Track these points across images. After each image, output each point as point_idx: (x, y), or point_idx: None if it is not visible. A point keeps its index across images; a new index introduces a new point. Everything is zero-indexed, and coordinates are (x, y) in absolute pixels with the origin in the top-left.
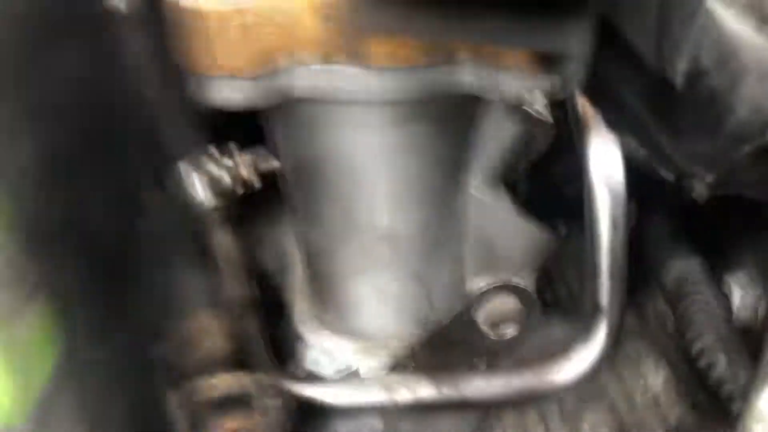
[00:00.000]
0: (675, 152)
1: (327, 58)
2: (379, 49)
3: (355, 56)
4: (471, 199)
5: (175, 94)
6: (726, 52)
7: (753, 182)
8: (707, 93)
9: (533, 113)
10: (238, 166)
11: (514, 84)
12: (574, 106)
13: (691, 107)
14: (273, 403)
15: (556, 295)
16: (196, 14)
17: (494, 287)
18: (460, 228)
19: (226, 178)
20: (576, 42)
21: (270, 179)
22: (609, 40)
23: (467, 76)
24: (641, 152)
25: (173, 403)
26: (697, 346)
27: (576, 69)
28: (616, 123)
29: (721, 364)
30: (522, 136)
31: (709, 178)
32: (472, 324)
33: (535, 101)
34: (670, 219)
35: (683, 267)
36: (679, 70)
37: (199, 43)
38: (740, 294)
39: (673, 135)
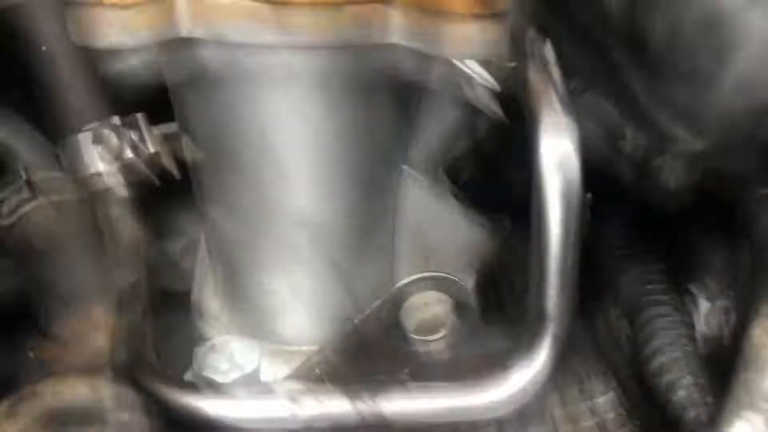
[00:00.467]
0: (656, 104)
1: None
2: (302, 18)
3: (276, 25)
4: (405, 186)
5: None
6: (713, 23)
7: (746, 153)
8: (689, 65)
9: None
10: (143, 140)
11: (455, 39)
12: (524, 81)
13: (670, 67)
14: (131, 418)
15: (501, 301)
16: None
17: (421, 279)
18: (392, 218)
19: (129, 152)
20: None
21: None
22: None
23: (396, 21)
24: (598, 142)
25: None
26: (655, 363)
27: None
28: (579, 68)
29: (684, 385)
30: (464, 117)
31: (698, 144)
32: (396, 325)
33: (477, 74)
34: (628, 221)
35: (642, 274)
36: (656, 31)
37: None
38: (707, 306)
39: (652, 76)
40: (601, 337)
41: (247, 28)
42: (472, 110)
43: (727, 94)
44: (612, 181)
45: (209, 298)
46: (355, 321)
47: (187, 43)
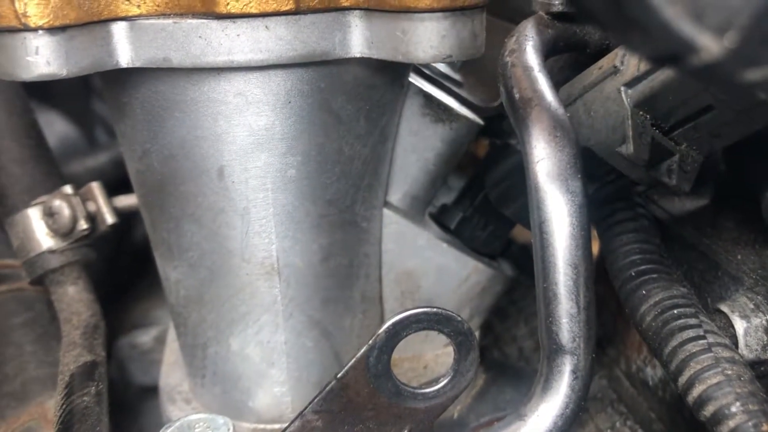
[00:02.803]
0: (666, 4)
1: (162, 9)
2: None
3: (203, 7)
4: (388, 224)
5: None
6: None
7: None
8: None
9: (459, 114)
10: (100, 211)
11: (423, 40)
12: (508, 84)
13: None
14: None
15: (504, 354)
16: None
17: (413, 315)
18: (375, 264)
19: (84, 224)
20: None
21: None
22: None
23: (356, 29)
24: (598, 145)
25: None
26: (695, 394)
27: None
28: None
29: (732, 414)
30: (448, 147)
31: (718, 49)
32: (386, 376)
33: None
34: (643, 240)
35: (666, 300)
36: None
37: None
38: (744, 324)
39: None
40: (625, 390)
41: (194, 50)
42: (455, 144)
43: None
44: (621, 190)
45: (178, 380)
46: (338, 375)
47: (129, 74)
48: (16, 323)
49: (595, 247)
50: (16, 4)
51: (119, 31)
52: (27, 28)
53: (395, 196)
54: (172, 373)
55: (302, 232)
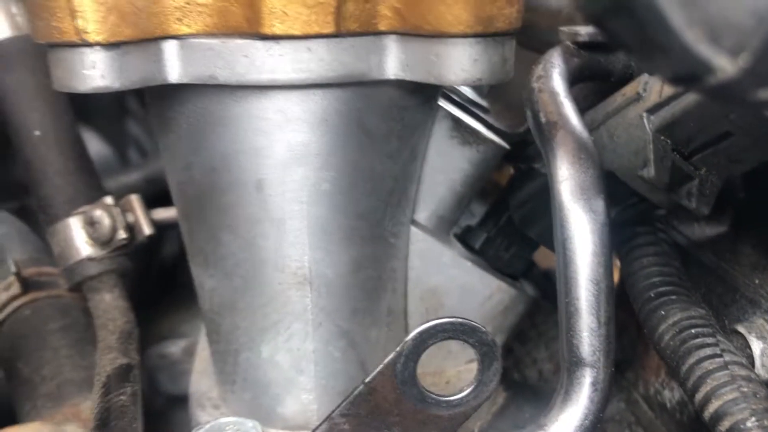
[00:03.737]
0: (682, 21)
1: (211, 29)
2: (278, 16)
3: (249, 28)
4: (414, 242)
5: (58, 129)
6: None
7: None
8: None
9: (486, 138)
10: (139, 223)
11: (456, 63)
12: (535, 109)
13: None
14: None
15: (524, 376)
16: None
17: (439, 325)
18: (401, 279)
19: (123, 234)
20: None
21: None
22: None
23: (391, 53)
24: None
25: None
26: (710, 410)
27: None
28: None
29: (748, 429)
30: (475, 169)
31: (733, 69)
32: (412, 383)
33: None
34: (663, 262)
35: (683, 320)
36: None
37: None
38: (760, 345)
39: None
40: (643, 413)
41: (239, 68)
42: (481, 166)
43: None
44: (643, 213)
45: (202, 379)
46: (366, 380)
47: (176, 89)
48: (54, 328)
49: (617, 272)
50: (78, 21)
51: (170, 48)
52: (85, 44)
53: (422, 215)
54: (201, 381)
55: (334, 244)
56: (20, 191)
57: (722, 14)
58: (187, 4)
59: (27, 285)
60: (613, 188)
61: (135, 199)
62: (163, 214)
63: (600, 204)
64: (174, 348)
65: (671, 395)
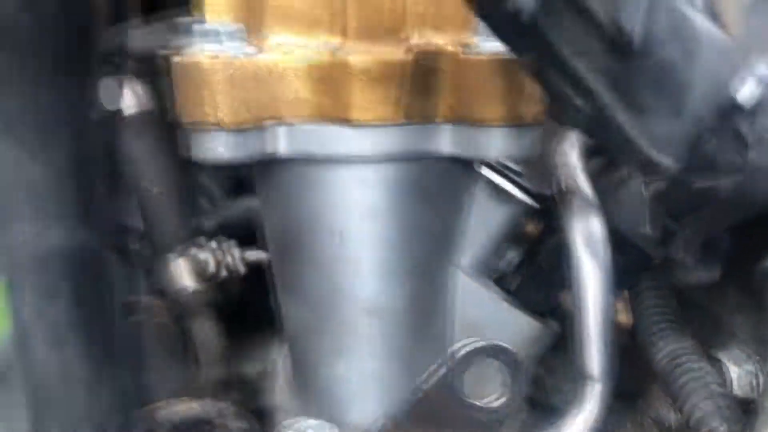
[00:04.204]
0: (637, 135)
1: (311, 118)
2: (361, 107)
3: (340, 116)
4: (458, 281)
5: (170, 186)
6: (678, 26)
7: (717, 167)
8: (663, 64)
9: (518, 198)
10: (234, 262)
11: (494, 144)
12: (557, 178)
13: (651, 78)
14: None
15: (549, 402)
16: (190, 65)
17: (479, 347)
18: (447, 310)
19: (221, 272)
20: None
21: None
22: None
23: (446, 136)
24: (625, 226)
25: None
26: (694, 419)
27: None
28: (568, 108)
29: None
30: (509, 224)
31: (674, 167)
32: (455, 391)
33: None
34: (661, 298)
35: (676, 350)
36: (635, 32)
37: (188, 94)
38: (737, 371)
39: (633, 112)
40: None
41: (334, 147)
42: (514, 221)
43: (701, 95)
44: (643, 262)
45: (284, 397)
46: (422, 387)
47: (280, 160)
48: (156, 353)
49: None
50: (218, 111)
51: (280, 131)
52: (219, 128)
53: (465, 261)
54: (283, 393)
55: (397, 282)
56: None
57: (664, 133)
58: (296, 98)
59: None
60: (619, 242)
61: (233, 244)
62: (255, 255)
63: (605, 251)
64: (250, 369)
65: (676, 417)
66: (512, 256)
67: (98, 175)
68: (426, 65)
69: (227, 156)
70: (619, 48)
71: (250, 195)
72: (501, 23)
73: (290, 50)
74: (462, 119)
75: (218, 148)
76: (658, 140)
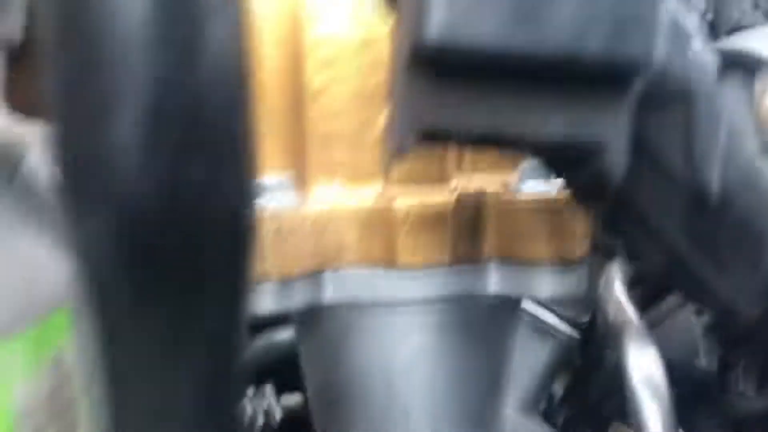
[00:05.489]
0: (717, 286)
1: (357, 263)
2: (407, 251)
3: (387, 261)
4: (506, 421)
5: None
6: (751, 178)
7: None
8: (740, 215)
9: (560, 330)
10: (271, 409)
11: (541, 283)
12: (604, 312)
13: (729, 233)
14: None
15: None
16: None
17: None
18: None
19: (260, 419)
20: (614, 127)
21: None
22: (636, 150)
23: (493, 275)
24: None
25: None
26: None
27: (615, 161)
28: (646, 257)
29: None
30: (553, 358)
31: (754, 314)
32: None
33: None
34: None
35: None
36: (712, 182)
37: None
38: None
39: (713, 266)
40: None
41: (380, 292)
42: (562, 352)
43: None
44: (700, 395)
45: None
46: None
47: (322, 313)
48: None
49: None
50: (266, 261)
51: (326, 278)
52: (266, 277)
53: (511, 398)
54: None
55: (447, 426)
56: None
57: (744, 285)
58: (342, 246)
59: None
60: (673, 374)
61: (269, 389)
62: (291, 400)
63: (664, 390)
64: None
65: None
66: (556, 388)
67: None
68: (470, 207)
69: (273, 308)
70: (699, 204)
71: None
72: (584, 186)
73: (335, 199)
74: (509, 258)
75: (264, 300)
76: (738, 291)
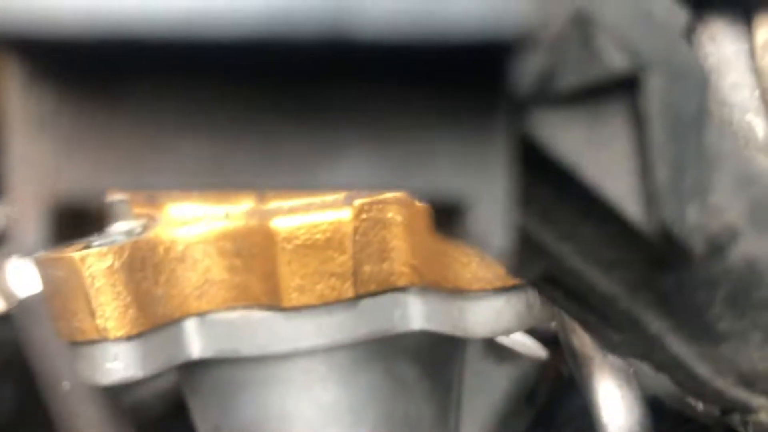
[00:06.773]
0: (710, 372)
1: (229, 305)
2: (294, 285)
3: (268, 300)
4: None
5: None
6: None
7: None
8: (744, 264)
9: (522, 351)
10: None
11: (476, 315)
12: (568, 342)
13: (723, 293)
14: None
15: None
16: (66, 260)
17: None
18: None
19: None
20: (484, 170)
21: None
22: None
23: (414, 308)
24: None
25: None
26: None
27: (491, 221)
28: (603, 340)
29: None
30: (516, 380)
31: (765, 404)
32: None
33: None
34: None
35: None
36: (689, 236)
37: (68, 300)
38: None
39: (700, 341)
40: None
41: (260, 340)
42: (522, 381)
43: None
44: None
45: None
46: None
47: (201, 364)
48: None
49: None
50: (97, 321)
51: (190, 326)
52: (106, 339)
53: None
54: None
55: None
56: None
57: (752, 367)
58: (205, 282)
59: None
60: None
61: None
62: None
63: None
64: None
65: None
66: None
67: None
68: (372, 219)
69: (125, 375)
70: (669, 258)
71: None
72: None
73: (192, 220)
74: (431, 284)
75: (111, 365)
76: (744, 376)
